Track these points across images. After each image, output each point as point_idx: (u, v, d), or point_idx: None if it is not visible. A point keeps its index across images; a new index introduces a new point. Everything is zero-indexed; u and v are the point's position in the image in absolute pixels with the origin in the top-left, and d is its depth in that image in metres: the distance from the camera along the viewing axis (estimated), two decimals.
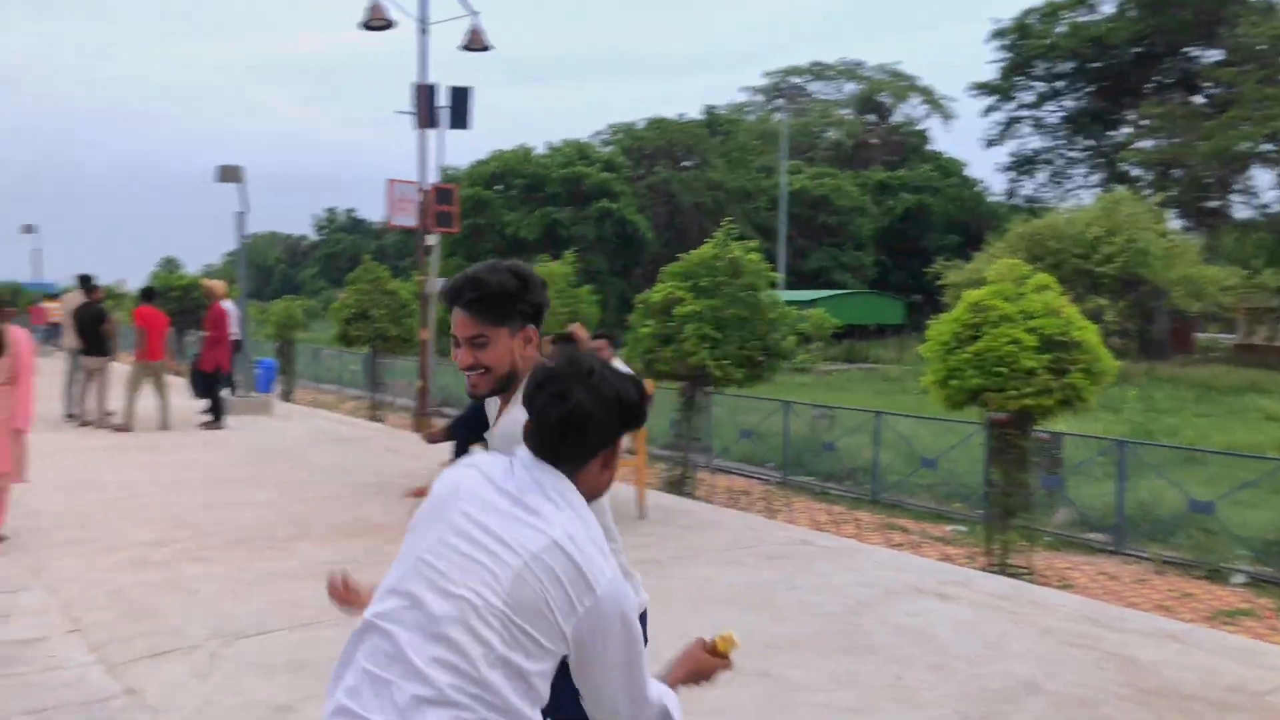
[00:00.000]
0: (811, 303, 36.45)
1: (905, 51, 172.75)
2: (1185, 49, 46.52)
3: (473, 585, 1.81)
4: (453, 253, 45.23)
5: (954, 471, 11.74)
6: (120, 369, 13.20)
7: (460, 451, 7.99)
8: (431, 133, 18.43)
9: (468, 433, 8.01)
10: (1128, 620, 5.37)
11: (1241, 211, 46.39)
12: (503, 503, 1.90)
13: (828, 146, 65.59)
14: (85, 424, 12.49)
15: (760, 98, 72.87)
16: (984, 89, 53.08)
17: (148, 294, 12.95)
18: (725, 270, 11.72)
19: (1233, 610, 6.30)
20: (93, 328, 12.45)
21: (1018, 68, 50.95)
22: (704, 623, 5.03)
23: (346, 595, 2.33)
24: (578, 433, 1.93)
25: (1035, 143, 53.91)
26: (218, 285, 12.87)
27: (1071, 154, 53.38)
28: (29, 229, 27.80)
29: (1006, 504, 7.41)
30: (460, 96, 20.76)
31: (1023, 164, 54.59)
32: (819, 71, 71.76)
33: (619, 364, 7.51)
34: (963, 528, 9.55)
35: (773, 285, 12.08)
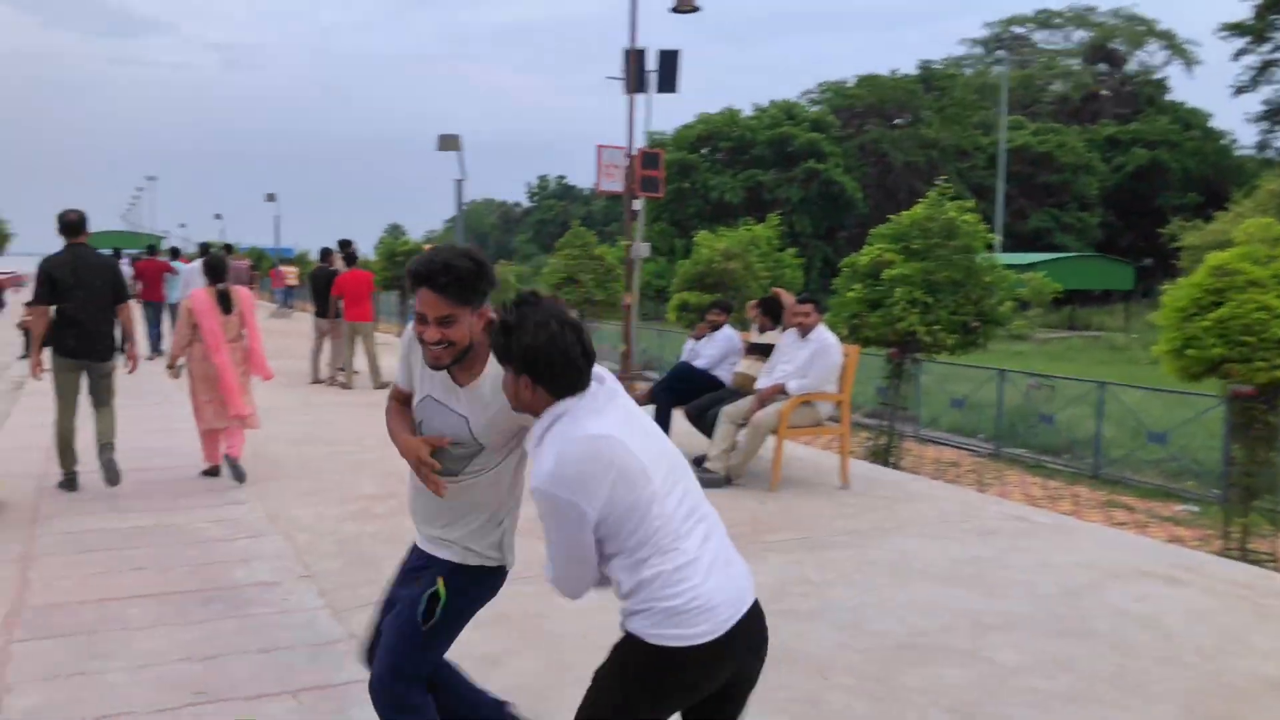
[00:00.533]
0: (1030, 266, 34.58)
1: None
2: None
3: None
4: (658, 217, 45.65)
5: (1187, 447, 10.92)
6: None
7: (662, 415, 8.05)
8: (639, 97, 18.57)
9: (670, 396, 8.06)
10: None
11: None
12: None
13: (1052, 100, 61.68)
14: (317, 381, 13.35)
15: (980, 50, 69.24)
16: (1235, 30, 48.30)
17: (349, 258, 13.45)
18: (939, 231, 11.22)
19: None
20: (324, 291, 13.23)
21: (1274, 4, 46.06)
22: (908, 597, 4.88)
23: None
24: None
25: None
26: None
27: None
28: (271, 197, 29.93)
29: (1249, 484, 6.85)
30: (668, 60, 20.78)
31: (1278, 113, 49.55)
32: (1045, 19, 67.43)
33: (823, 329, 7.35)
34: (1195, 508, 8.87)
35: (989, 247, 11.50)
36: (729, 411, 7.24)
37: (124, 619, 4.44)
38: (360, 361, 13.22)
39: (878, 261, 11.31)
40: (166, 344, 14.49)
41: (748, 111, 51.28)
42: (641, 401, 8.23)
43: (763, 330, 8.01)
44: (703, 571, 2.31)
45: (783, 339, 7.51)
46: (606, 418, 2.32)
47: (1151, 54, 64.64)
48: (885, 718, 3.64)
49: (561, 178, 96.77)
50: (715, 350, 8.24)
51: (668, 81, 21.21)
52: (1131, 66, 64.68)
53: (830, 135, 49.57)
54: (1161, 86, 62.03)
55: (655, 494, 2.29)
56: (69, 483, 6.90)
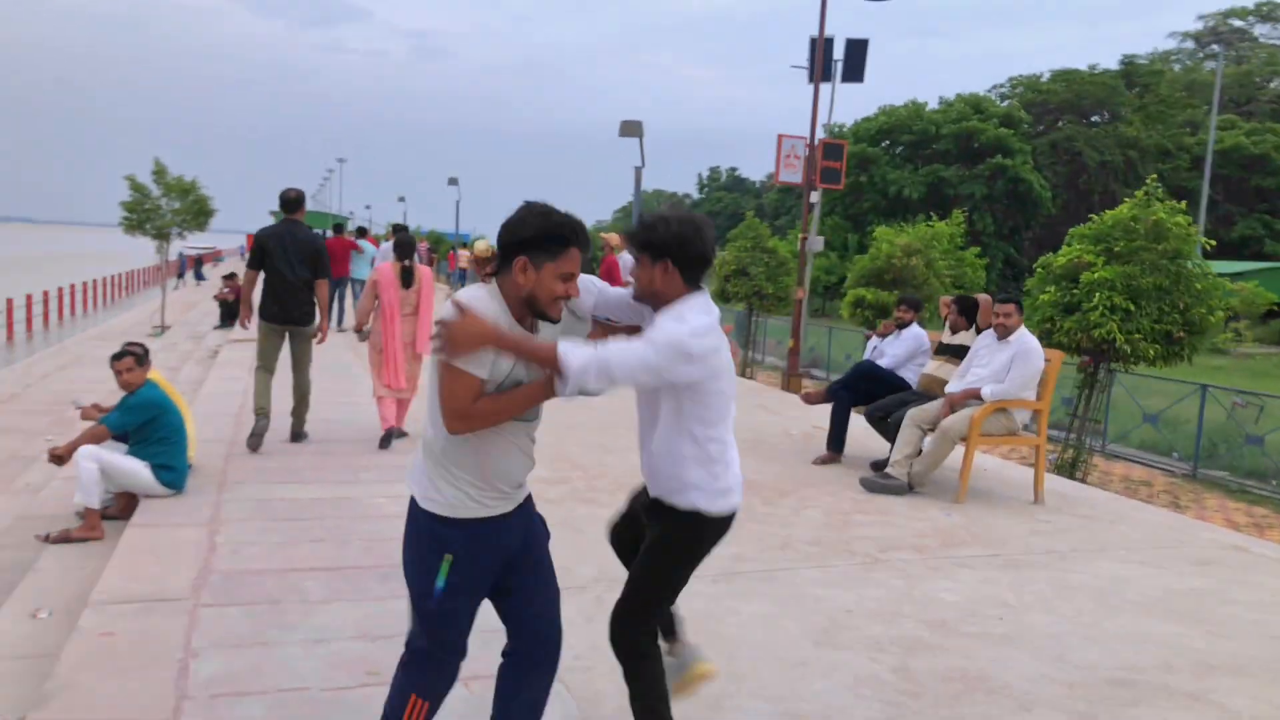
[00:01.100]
0: (1238, 276, 32.12)
1: None
2: None
3: None
4: (831, 210, 44.76)
5: None
6: None
7: (840, 414, 7.70)
8: (821, 88, 18.12)
9: (850, 395, 7.70)
10: None
11: None
12: None
13: (1272, 99, 57.12)
14: None
15: (1190, 44, 64.85)
16: None
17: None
18: (1145, 234, 10.44)
19: None
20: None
21: None
22: (1118, 628, 4.42)
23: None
24: None
25: None
26: (613, 237, 13.35)
27: None
28: (453, 181, 30.79)
29: None
30: (856, 49, 20.26)
31: None
32: (1267, 12, 62.48)
33: (1025, 332, 6.82)
34: None
35: (1203, 253, 10.61)
36: (915, 415, 6.83)
37: (303, 590, 4.47)
38: None
39: (1076, 263, 10.62)
40: (348, 320, 14.95)
41: (933, 105, 49.60)
42: (817, 399, 7.91)
43: (955, 330, 7.53)
44: (734, 458, 2.92)
45: (978, 341, 7.03)
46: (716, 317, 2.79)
47: None
48: None
49: (733, 170, 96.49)
50: (902, 349, 7.81)
51: (855, 71, 20.70)
52: None
53: (1019, 132, 47.40)
54: None
55: (730, 392, 2.86)
56: (258, 434, 7.39)
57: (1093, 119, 51.10)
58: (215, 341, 16.55)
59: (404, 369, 7.75)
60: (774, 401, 11.50)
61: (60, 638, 4.04)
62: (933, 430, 6.80)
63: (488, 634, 3.93)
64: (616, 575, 3.17)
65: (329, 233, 19.52)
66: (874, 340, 8.35)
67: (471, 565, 2.74)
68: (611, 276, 12.57)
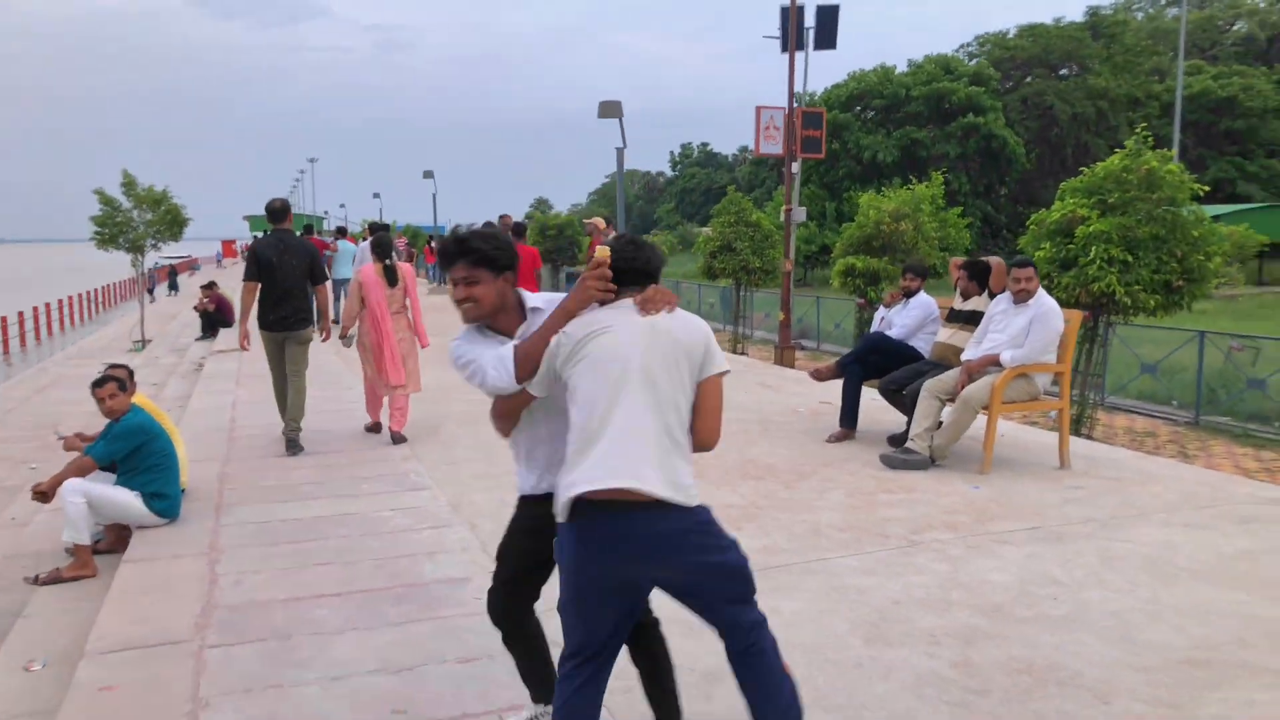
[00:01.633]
0: (1219, 218, 32.06)
1: None
2: None
3: None
4: (807, 179, 44.44)
5: None
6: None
7: (852, 389, 7.45)
8: (787, 58, 17.78)
9: (861, 369, 7.44)
10: None
11: None
12: None
13: (1236, 42, 57.10)
14: None
15: None
16: None
17: (517, 232, 13.04)
18: (1138, 184, 10.26)
19: None
20: None
21: None
22: (1179, 600, 4.21)
23: None
24: None
25: None
26: (599, 221, 13.02)
27: None
28: (428, 174, 30.35)
29: None
30: (828, 15, 20.02)
31: None
32: None
33: (1044, 294, 6.58)
34: None
35: (1196, 199, 10.45)
36: (933, 386, 6.57)
37: (315, 621, 4.19)
38: None
39: (1070, 218, 10.44)
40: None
41: (902, 69, 49.33)
42: (827, 375, 7.65)
43: (966, 296, 7.26)
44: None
45: (993, 305, 6.77)
46: None
47: None
48: None
49: (705, 145, 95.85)
50: (911, 319, 7.56)
51: (827, 38, 20.47)
52: None
53: (990, 89, 47.23)
54: None
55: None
56: (294, 444, 7.52)
57: (1061, 72, 50.92)
58: (199, 354, 16.18)
59: (401, 366, 7.86)
60: (773, 378, 11.26)
61: (57, 691, 3.75)
62: (951, 400, 6.56)
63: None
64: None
65: (302, 234, 19.32)
66: (881, 310, 8.09)
67: None
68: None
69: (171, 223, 20.54)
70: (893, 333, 7.59)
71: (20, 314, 26.26)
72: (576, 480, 2.52)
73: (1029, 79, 50.56)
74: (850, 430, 7.45)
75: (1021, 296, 6.49)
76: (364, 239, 21.12)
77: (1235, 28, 58.79)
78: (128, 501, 5.52)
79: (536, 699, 3.17)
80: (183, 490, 5.97)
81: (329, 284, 8.62)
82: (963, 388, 6.47)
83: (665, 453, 2.53)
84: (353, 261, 16.68)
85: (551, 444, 2.84)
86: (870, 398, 7.71)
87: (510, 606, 3.07)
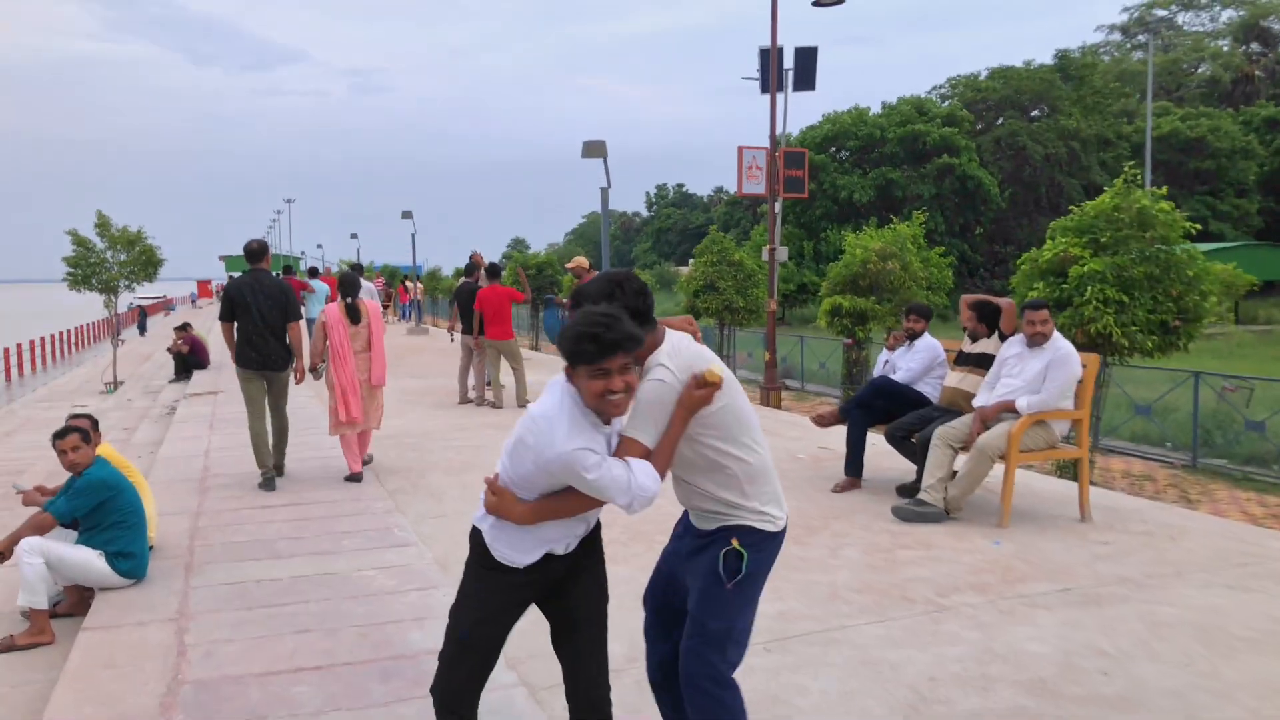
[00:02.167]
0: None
1: None
2: None
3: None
4: (785, 219, 44.49)
5: None
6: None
7: (857, 436, 7.14)
8: (765, 100, 17.68)
9: (866, 415, 7.13)
10: None
11: None
12: None
13: (1200, 84, 58.13)
14: (466, 401, 12.73)
15: (1118, 36, 65.94)
16: None
17: (491, 272, 12.67)
18: (1130, 223, 10.12)
19: None
20: (469, 307, 12.55)
21: None
22: (1245, 676, 3.86)
23: None
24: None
25: None
26: (582, 261, 12.70)
27: None
28: (406, 214, 30.06)
29: None
30: (806, 57, 19.91)
31: None
32: (1188, 1, 63.78)
33: (1060, 337, 6.33)
34: None
35: (1188, 237, 10.34)
36: (945, 433, 6.27)
37: (293, 701, 3.78)
38: (507, 378, 12.56)
39: (1063, 257, 10.27)
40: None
41: (876, 110, 49.75)
42: (830, 421, 7.32)
43: (975, 338, 6.97)
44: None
45: (1005, 348, 6.50)
46: None
47: None
48: None
49: (680, 186, 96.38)
50: (917, 362, 7.25)
51: (806, 79, 20.34)
52: None
53: (963, 130, 47.65)
54: None
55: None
56: (267, 483, 7.68)
57: (1033, 113, 51.46)
58: (172, 396, 15.69)
59: (361, 403, 7.99)
60: (767, 421, 10.94)
61: None
62: (965, 449, 6.26)
63: None
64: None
65: (279, 274, 19.31)
66: (885, 353, 7.79)
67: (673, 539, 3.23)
68: None
69: (146, 263, 20.27)
70: (898, 376, 7.28)
71: None
72: (781, 506, 2.95)
73: (1001, 120, 51.03)
74: (856, 479, 7.12)
75: (1036, 340, 6.22)
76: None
77: (1199, 70, 59.83)
78: (89, 561, 5.11)
79: None
80: (150, 547, 5.56)
81: (303, 323, 8.67)
82: (977, 435, 6.17)
83: None
84: (325, 302, 16.52)
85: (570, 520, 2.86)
86: (872, 443, 7.40)
87: (473, 702, 3.01)
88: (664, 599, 3.12)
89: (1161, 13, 64.27)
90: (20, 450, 12.55)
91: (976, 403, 6.38)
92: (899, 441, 6.92)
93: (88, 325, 44.18)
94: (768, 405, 14.58)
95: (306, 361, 8.13)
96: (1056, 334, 6.29)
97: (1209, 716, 3.53)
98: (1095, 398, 10.66)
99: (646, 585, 3.21)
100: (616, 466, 2.65)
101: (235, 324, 7.79)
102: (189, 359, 18.27)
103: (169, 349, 19.82)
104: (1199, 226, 11.24)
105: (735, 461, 2.84)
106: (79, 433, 5.26)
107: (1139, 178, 10.62)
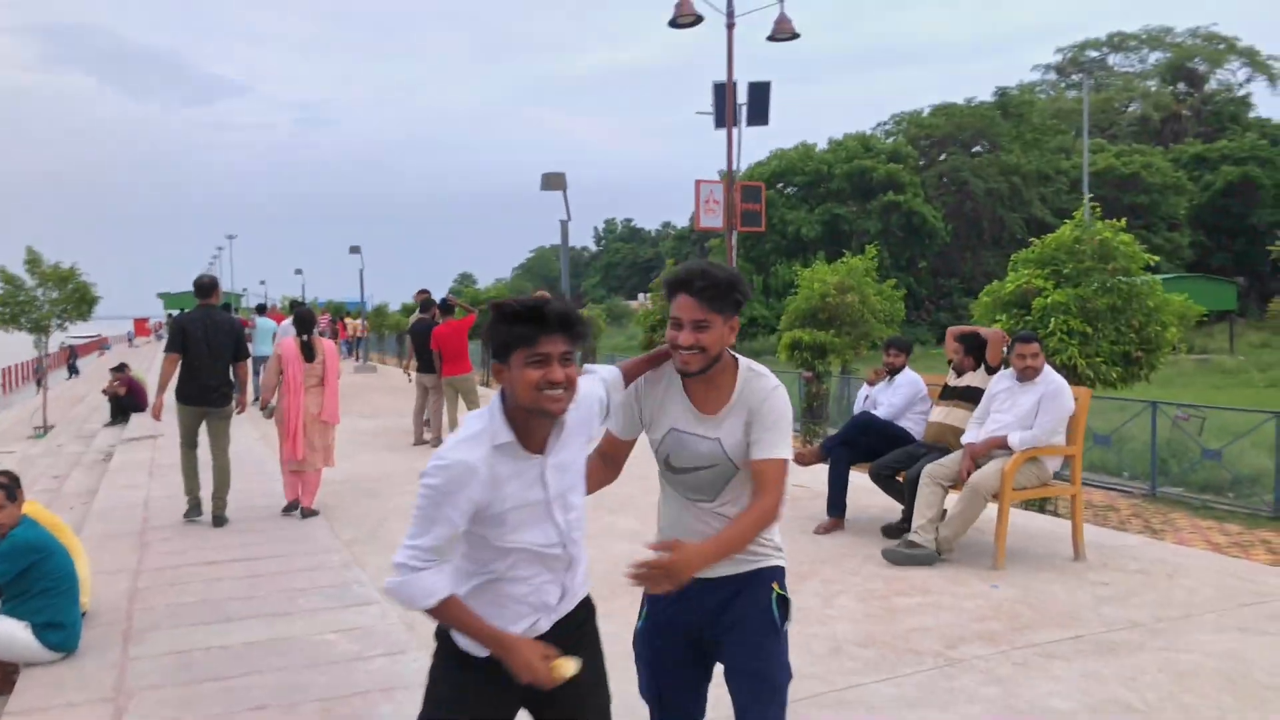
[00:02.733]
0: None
1: (1221, 12, 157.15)
2: None
3: None
4: (735, 253, 44.59)
5: None
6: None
7: (839, 474, 6.85)
8: (712, 135, 17.63)
9: (848, 453, 6.86)
10: None
11: None
12: None
13: (1132, 122, 59.77)
14: (421, 443, 12.27)
15: (1053, 75, 67.71)
16: None
17: (445, 309, 12.31)
18: (1092, 254, 10.11)
19: None
20: (425, 344, 12.14)
21: None
22: None
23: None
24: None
25: None
26: (544, 295, 12.28)
27: None
28: (354, 249, 29.52)
29: None
30: (760, 92, 19.90)
31: None
32: (1118, 42, 65.70)
33: (1051, 371, 6.13)
34: None
35: (1149, 269, 10.38)
36: (934, 471, 6.00)
37: None
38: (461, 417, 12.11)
39: (1025, 289, 10.22)
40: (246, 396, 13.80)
41: (823, 146, 50.33)
42: (811, 459, 7.03)
43: (961, 371, 6.75)
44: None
45: (994, 382, 6.27)
46: None
47: (1233, 72, 62.66)
48: None
49: (628, 220, 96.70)
50: (899, 397, 7.00)
51: (759, 114, 20.33)
52: (1211, 86, 62.65)
53: (908, 166, 48.36)
54: (1245, 104, 60.08)
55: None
56: (193, 509, 7.76)
57: (974, 149, 52.37)
58: (107, 441, 14.96)
59: (307, 441, 7.94)
60: None
61: None
62: (955, 487, 6.00)
63: None
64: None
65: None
66: (865, 389, 7.54)
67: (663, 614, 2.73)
68: None
69: (79, 301, 19.53)
70: (880, 412, 7.02)
71: None
72: None
73: (944, 156, 51.87)
74: (839, 520, 6.82)
75: (1027, 374, 5.99)
76: (289, 317, 20.46)
77: (1130, 109, 61.56)
78: (13, 634, 4.59)
79: None
80: (83, 614, 5.08)
81: (249, 361, 8.61)
82: (967, 473, 5.91)
83: None
84: (273, 339, 16.04)
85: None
86: (851, 481, 7.10)
87: None
88: (683, 678, 2.71)
89: (1093, 54, 66.19)
90: None
91: (965, 439, 6.13)
92: (884, 480, 6.65)
93: (17, 366, 42.74)
94: None
95: (250, 396, 7.98)
96: (1047, 368, 6.08)
97: None
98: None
99: (642, 678, 2.77)
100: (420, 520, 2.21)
101: (182, 359, 7.67)
102: (125, 401, 17.50)
103: (104, 391, 19.04)
104: (1157, 258, 11.31)
105: None
106: (2, 490, 4.79)
107: (1098, 210, 10.66)
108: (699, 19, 15.43)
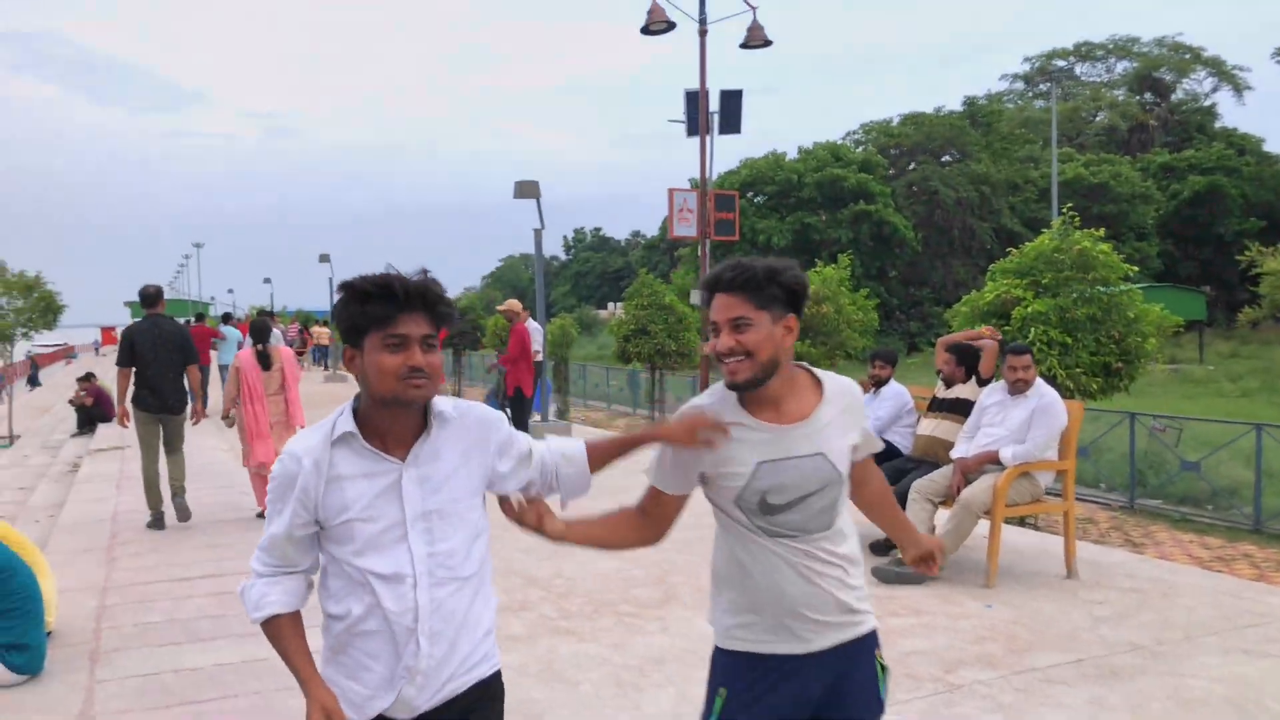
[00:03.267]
0: None
1: (1186, 22, 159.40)
2: None
3: None
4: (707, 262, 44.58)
5: None
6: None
7: None
8: (679, 146, 17.58)
9: None
10: None
11: None
12: None
13: (1099, 131, 60.39)
14: None
15: (1021, 85, 68.34)
16: None
17: None
18: (1071, 264, 10.10)
19: None
20: None
21: None
22: None
23: None
24: None
25: None
26: (515, 304, 12.18)
27: None
28: (324, 258, 29.23)
29: None
30: (732, 100, 19.86)
31: None
32: (1086, 52, 66.44)
33: (1044, 384, 6.05)
34: None
35: (1128, 279, 10.38)
36: (923, 487, 5.90)
37: None
38: None
39: (1004, 299, 10.18)
40: (211, 404, 13.57)
41: (793, 155, 50.43)
42: None
43: (950, 383, 6.65)
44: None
45: (985, 395, 6.18)
46: None
47: (1199, 81, 63.48)
48: None
49: (597, 229, 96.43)
50: (885, 410, 6.91)
51: (731, 122, 20.29)
52: (1177, 95, 63.45)
53: (878, 175, 48.57)
54: (1211, 114, 60.83)
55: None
56: (157, 521, 7.86)
57: (944, 158, 52.72)
58: (74, 452, 14.62)
59: (273, 447, 8.01)
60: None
61: None
62: (944, 503, 5.91)
63: None
64: None
65: (192, 320, 19.07)
66: None
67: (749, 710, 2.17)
68: (523, 346, 11.41)
69: (45, 310, 19.27)
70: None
71: None
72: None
73: (913, 165, 52.17)
74: None
75: (1019, 387, 5.91)
76: None
77: (1098, 119, 62.20)
78: None
79: None
80: (49, 634, 4.88)
81: (215, 368, 8.79)
82: (958, 489, 5.82)
83: None
84: (238, 347, 16.04)
85: None
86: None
87: None
88: None
89: (1061, 63, 66.83)
90: None
91: (955, 453, 6.04)
92: None
93: None
94: None
95: (206, 403, 8.36)
96: (1040, 381, 6.00)
97: None
98: None
99: None
100: (274, 525, 2.03)
101: (134, 369, 7.92)
102: (93, 411, 17.13)
103: (71, 401, 18.65)
104: (1137, 269, 11.31)
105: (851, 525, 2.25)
106: None
107: (1076, 219, 10.67)
108: (671, 25, 15.37)
